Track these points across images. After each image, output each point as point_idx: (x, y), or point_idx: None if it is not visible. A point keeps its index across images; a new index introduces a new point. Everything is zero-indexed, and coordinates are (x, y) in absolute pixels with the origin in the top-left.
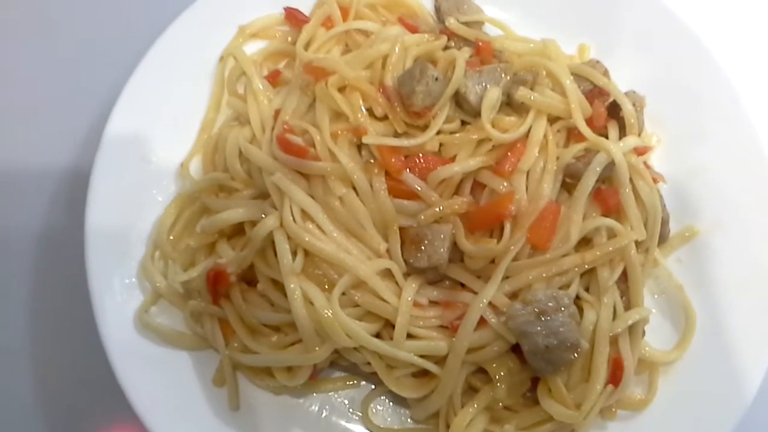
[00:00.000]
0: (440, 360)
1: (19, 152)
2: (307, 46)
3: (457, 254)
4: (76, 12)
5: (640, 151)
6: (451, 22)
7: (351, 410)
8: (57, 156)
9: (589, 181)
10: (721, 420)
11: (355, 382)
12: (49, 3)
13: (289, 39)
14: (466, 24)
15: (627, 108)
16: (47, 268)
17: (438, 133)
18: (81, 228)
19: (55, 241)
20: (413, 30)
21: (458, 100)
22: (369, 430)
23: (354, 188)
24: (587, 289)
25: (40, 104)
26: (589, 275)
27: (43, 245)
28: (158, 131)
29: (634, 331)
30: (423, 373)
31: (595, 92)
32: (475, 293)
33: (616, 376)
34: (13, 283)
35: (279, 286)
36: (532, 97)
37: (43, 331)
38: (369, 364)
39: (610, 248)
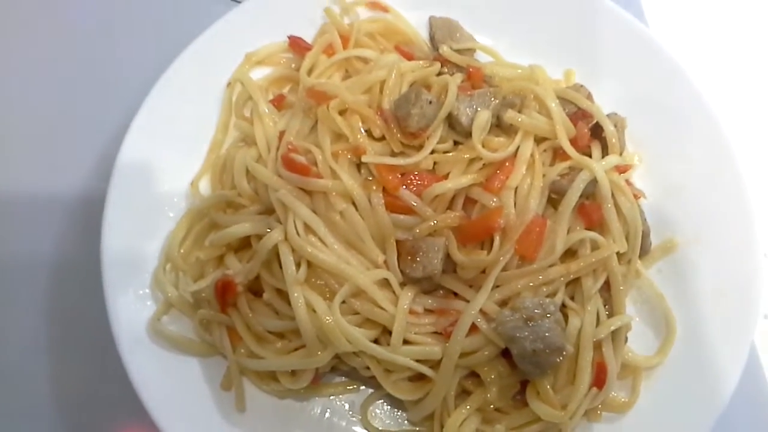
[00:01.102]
0: (435, 364)
1: (38, 169)
2: (309, 72)
3: (450, 265)
4: (90, 39)
5: (622, 169)
6: (445, 50)
7: (351, 413)
8: (74, 174)
9: (573, 197)
10: (699, 420)
11: (355, 386)
12: (63, 30)
13: (293, 65)
14: (459, 51)
15: (609, 129)
16: (64, 280)
17: (432, 152)
18: (96, 241)
19: (71, 254)
20: (409, 57)
21: (451, 122)
22: (368, 431)
23: (354, 204)
24: (572, 298)
25: (59, 126)
26: (573, 285)
27: (60, 258)
28: (170, 152)
29: (617, 337)
30: (419, 377)
31: (579, 114)
32: (467, 301)
33: (600, 379)
34: (30, 295)
35: (283, 295)
36: (520, 119)
37: (60, 338)
38: (368, 368)
39: (593, 259)
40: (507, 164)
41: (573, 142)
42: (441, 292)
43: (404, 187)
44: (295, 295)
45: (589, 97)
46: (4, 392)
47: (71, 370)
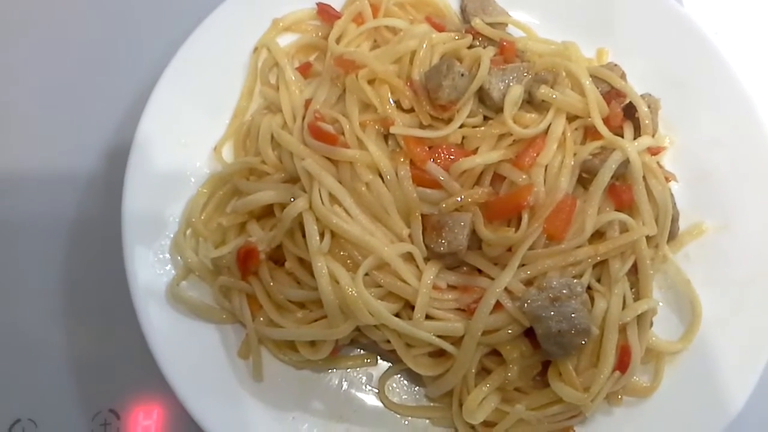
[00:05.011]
0: (456, 341)
1: (61, 131)
2: (338, 41)
3: (475, 241)
4: (120, 3)
5: (654, 151)
6: (477, 22)
7: (368, 386)
8: (98, 136)
9: (604, 177)
10: (723, 409)
11: (373, 359)
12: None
13: (320, 33)
14: (491, 25)
15: (642, 110)
16: (85, 243)
17: (461, 126)
18: (116, 207)
19: (91, 220)
20: (440, 29)
21: (482, 95)
22: (385, 405)
23: (380, 175)
24: (599, 280)
25: (81, 88)
26: (601, 266)
27: (80, 224)
28: (193, 117)
29: (643, 320)
30: (439, 353)
31: (612, 94)
32: (492, 279)
33: (623, 362)
34: (50, 258)
35: (306, 264)
36: (553, 96)
37: (79, 301)
38: (388, 342)
39: (622, 242)
40: (538, 141)
41: (605, 121)
42: (465, 268)
43: (432, 160)
44: (319, 265)
45: (623, 76)
46: (22, 357)
47: (88, 333)
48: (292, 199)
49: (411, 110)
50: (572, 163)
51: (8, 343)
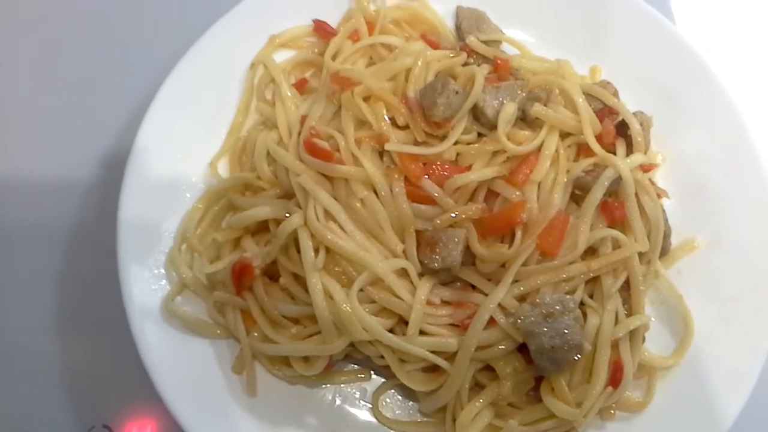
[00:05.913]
0: (450, 356)
1: (58, 143)
2: (334, 57)
3: (469, 257)
4: (120, 16)
5: (646, 168)
6: (472, 40)
7: (362, 401)
8: (94, 148)
9: (597, 194)
10: (715, 423)
11: (366, 374)
12: (96, 8)
13: (316, 50)
14: (485, 43)
15: (635, 127)
16: (79, 258)
17: (456, 143)
18: (112, 220)
19: (87, 233)
20: (435, 46)
21: (476, 113)
22: (378, 420)
23: (375, 191)
24: (591, 296)
25: (79, 101)
26: (593, 283)
27: (75, 237)
28: (189, 132)
29: (635, 336)
30: (433, 368)
31: (605, 111)
32: (486, 295)
33: (615, 378)
34: (45, 272)
35: (300, 280)
36: (546, 113)
37: (74, 316)
38: (382, 357)
39: (615, 258)
40: (531, 158)
41: (598, 138)
42: (459, 284)
43: (426, 176)
44: (313, 281)
45: (616, 94)
46: (15, 370)
47: (83, 347)
48: (287, 215)
49: (406, 127)
50: (565, 179)
51: (2, 356)
